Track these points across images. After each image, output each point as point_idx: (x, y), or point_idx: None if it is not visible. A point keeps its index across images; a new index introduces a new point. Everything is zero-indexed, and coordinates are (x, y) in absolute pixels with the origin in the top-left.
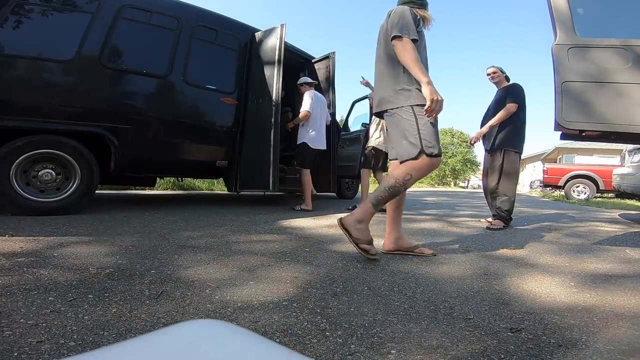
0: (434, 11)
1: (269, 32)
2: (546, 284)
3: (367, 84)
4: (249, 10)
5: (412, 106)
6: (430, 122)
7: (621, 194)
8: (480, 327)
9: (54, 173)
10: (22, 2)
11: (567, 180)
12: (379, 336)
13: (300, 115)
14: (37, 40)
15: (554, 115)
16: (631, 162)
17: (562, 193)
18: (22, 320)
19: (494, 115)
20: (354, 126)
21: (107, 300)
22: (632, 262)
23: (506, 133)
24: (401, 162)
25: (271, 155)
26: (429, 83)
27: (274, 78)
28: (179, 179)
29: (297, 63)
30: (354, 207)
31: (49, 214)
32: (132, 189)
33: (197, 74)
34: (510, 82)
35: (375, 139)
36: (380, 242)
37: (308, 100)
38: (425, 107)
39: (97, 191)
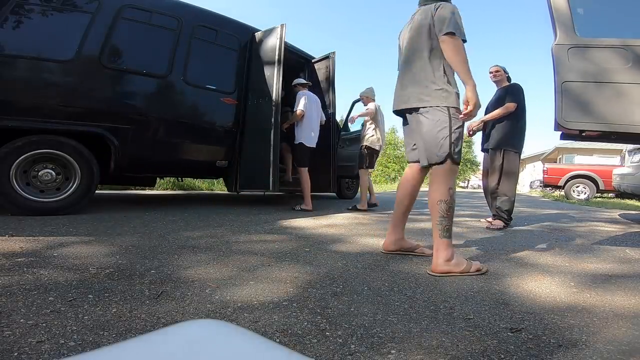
0: None
1: (269, 32)
2: (546, 284)
3: (352, 121)
4: (249, 10)
5: (448, 108)
6: (460, 129)
7: (621, 194)
8: (480, 327)
9: (54, 173)
10: (22, 2)
11: (567, 180)
12: (379, 336)
13: (295, 114)
14: (37, 40)
15: (554, 115)
16: (631, 162)
17: (562, 193)
18: (22, 320)
19: None
20: (354, 126)
21: (107, 300)
22: (632, 262)
23: (506, 133)
24: (424, 167)
25: (271, 155)
26: (475, 87)
27: (274, 78)
28: (179, 179)
29: (297, 63)
30: (354, 207)
31: (49, 214)
32: (132, 189)
33: (197, 74)
34: (511, 82)
35: (368, 138)
36: (380, 242)
37: (301, 100)
38: (467, 110)
39: (97, 191)
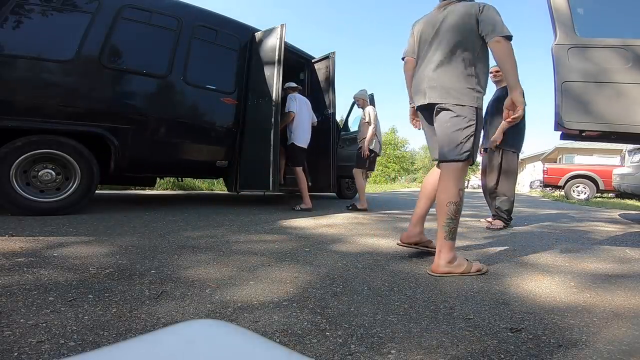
0: (432, 6)
1: (269, 32)
2: (546, 284)
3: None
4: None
5: (477, 108)
6: (481, 131)
7: (621, 194)
8: (480, 327)
9: (54, 173)
10: (22, 2)
11: (567, 180)
12: (379, 336)
13: (286, 116)
14: (37, 40)
15: (554, 115)
16: (631, 162)
17: (562, 193)
18: (22, 320)
19: (493, 115)
20: (354, 126)
21: (107, 300)
22: (632, 262)
23: (504, 132)
24: (443, 162)
25: (271, 155)
26: (523, 92)
27: (274, 78)
28: (179, 179)
29: (297, 63)
30: (353, 206)
31: (49, 214)
32: (132, 189)
33: (197, 74)
34: None
35: (370, 140)
36: (380, 242)
37: (290, 102)
38: (516, 114)
39: (97, 191)
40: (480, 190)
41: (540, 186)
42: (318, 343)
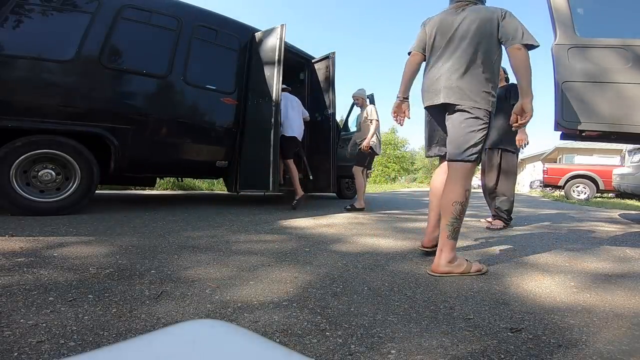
0: (433, 7)
1: (269, 32)
2: (546, 284)
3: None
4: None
5: (490, 112)
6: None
7: (621, 194)
8: (480, 327)
9: (53, 173)
10: (22, 2)
11: (567, 180)
12: (379, 336)
13: None
14: (37, 40)
15: (554, 115)
16: (631, 162)
17: (562, 193)
18: (22, 320)
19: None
20: (354, 126)
21: (107, 300)
22: (632, 262)
23: (503, 132)
24: (452, 162)
25: (271, 155)
26: (532, 99)
27: (274, 78)
28: (179, 179)
29: (297, 63)
30: (352, 206)
31: (49, 214)
32: (132, 189)
33: (197, 74)
34: (509, 82)
35: (370, 139)
36: (380, 242)
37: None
38: (524, 120)
39: (97, 191)
40: (480, 190)
41: (540, 186)
42: (318, 343)
